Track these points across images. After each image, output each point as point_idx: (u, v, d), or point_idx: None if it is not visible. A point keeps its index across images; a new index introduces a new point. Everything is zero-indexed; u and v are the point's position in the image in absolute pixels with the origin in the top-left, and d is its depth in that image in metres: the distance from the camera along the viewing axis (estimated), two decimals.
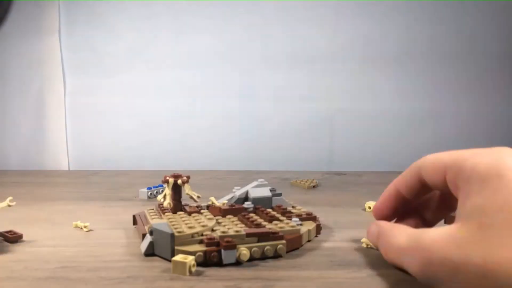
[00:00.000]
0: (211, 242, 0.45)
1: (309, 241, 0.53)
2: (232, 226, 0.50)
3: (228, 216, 0.55)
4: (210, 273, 0.43)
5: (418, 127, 1.10)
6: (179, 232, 0.46)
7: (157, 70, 1.07)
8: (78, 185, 0.90)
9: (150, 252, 0.48)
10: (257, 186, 0.63)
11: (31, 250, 0.49)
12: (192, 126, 1.09)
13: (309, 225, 0.54)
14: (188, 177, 0.56)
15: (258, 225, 0.50)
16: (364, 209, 0.71)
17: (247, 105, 1.08)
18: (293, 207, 0.61)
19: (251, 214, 0.55)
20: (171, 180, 0.55)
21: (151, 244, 0.48)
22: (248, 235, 0.47)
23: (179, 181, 0.55)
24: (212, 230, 0.48)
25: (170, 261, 0.44)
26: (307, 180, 0.90)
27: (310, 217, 0.56)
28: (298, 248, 0.50)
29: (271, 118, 1.09)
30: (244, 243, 0.46)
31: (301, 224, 0.54)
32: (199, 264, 0.44)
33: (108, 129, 1.08)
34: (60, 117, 1.07)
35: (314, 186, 0.88)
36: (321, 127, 1.09)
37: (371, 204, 0.70)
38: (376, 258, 0.48)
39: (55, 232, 0.56)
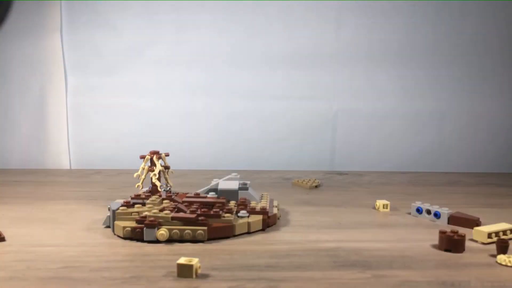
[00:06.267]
0: (139, 220, 0.52)
1: (249, 232, 0.56)
2: (170, 211, 0.55)
3: (185, 203, 0.58)
4: (214, 274, 0.43)
5: (420, 127, 1.10)
6: (122, 210, 0.55)
7: (158, 69, 1.06)
8: (80, 184, 0.90)
9: (107, 225, 0.57)
10: (228, 179, 0.68)
11: (33, 250, 0.49)
12: (194, 125, 1.08)
13: (254, 218, 0.57)
14: (167, 154, 0.65)
15: (193, 212, 0.54)
16: (375, 208, 0.70)
17: (250, 105, 1.08)
18: (262, 200, 0.65)
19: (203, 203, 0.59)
20: (148, 156, 0.63)
21: (108, 218, 0.57)
22: (173, 218, 0.53)
23: (154, 157, 0.62)
24: (153, 212, 0.54)
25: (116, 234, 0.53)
26: (309, 180, 0.90)
27: (262, 211, 0.59)
28: (229, 237, 0.54)
29: (273, 117, 1.09)
30: (169, 225, 0.52)
31: (247, 216, 0.57)
32: (127, 238, 0.52)
33: (110, 128, 1.08)
34: (62, 116, 1.07)
35: (316, 186, 0.87)
36: (323, 127, 1.09)
37: (383, 202, 0.70)
38: (380, 259, 0.48)
39: (57, 232, 0.56)
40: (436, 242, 0.52)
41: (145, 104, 1.07)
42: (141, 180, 0.62)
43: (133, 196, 0.60)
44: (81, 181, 0.93)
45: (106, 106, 1.07)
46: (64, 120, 1.07)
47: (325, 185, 0.90)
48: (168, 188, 0.64)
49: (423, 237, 0.55)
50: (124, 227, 0.52)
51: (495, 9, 1.07)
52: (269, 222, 0.59)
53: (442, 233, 0.51)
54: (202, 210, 0.55)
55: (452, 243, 0.50)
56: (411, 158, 1.10)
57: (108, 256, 0.47)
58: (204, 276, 0.42)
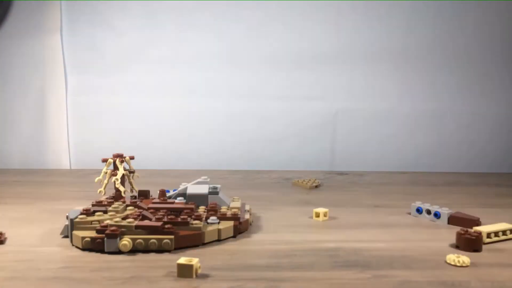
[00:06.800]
0: (100, 229, 0.48)
1: (219, 240, 0.52)
2: (134, 219, 0.51)
3: (150, 210, 0.55)
4: (214, 274, 0.43)
5: (421, 127, 1.09)
6: (81, 218, 0.51)
7: (158, 69, 1.06)
8: (80, 184, 0.90)
9: (65, 234, 0.52)
10: (198, 183, 0.63)
11: (33, 250, 0.49)
12: (194, 125, 1.08)
13: (224, 225, 0.54)
14: (131, 157, 0.60)
15: (159, 219, 0.51)
16: (314, 216, 0.64)
17: (250, 105, 1.08)
18: (233, 204, 0.61)
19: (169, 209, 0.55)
20: (110, 160, 0.59)
21: (65, 227, 0.53)
22: (137, 227, 0.49)
23: (117, 161, 0.59)
24: (115, 221, 0.50)
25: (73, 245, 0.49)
26: (309, 180, 0.90)
27: (233, 217, 0.55)
28: (199, 245, 0.50)
29: (273, 117, 1.09)
30: (133, 234, 0.48)
31: (218, 223, 0.54)
32: (86, 249, 0.48)
33: (110, 128, 1.07)
34: (62, 116, 1.07)
35: (316, 186, 0.87)
36: (324, 127, 1.09)
37: (323, 211, 0.64)
38: (380, 259, 0.48)
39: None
40: (436, 242, 0.52)
41: (145, 104, 1.07)
42: (104, 185, 0.58)
43: (94, 202, 0.57)
44: (81, 181, 0.93)
45: (106, 106, 1.07)
46: (64, 120, 1.07)
47: (325, 185, 0.90)
48: (133, 194, 0.60)
49: (423, 237, 0.55)
50: (83, 238, 0.48)
51: (495, 9, 1.07)
52: (241, 228, 0.55)
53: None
54: (169, 217, 0.51)
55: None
56: (411, 158, 1.10)
57: (108, 256, 0.47)
58: (204, 276, 0.42)
